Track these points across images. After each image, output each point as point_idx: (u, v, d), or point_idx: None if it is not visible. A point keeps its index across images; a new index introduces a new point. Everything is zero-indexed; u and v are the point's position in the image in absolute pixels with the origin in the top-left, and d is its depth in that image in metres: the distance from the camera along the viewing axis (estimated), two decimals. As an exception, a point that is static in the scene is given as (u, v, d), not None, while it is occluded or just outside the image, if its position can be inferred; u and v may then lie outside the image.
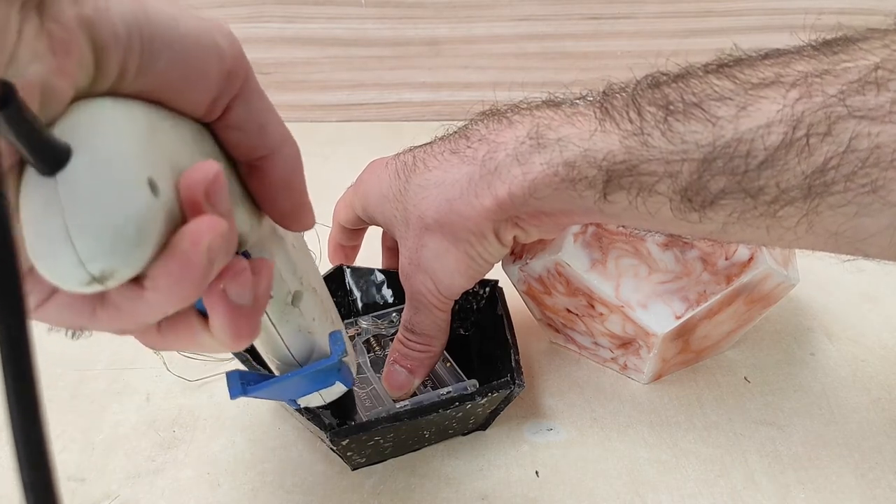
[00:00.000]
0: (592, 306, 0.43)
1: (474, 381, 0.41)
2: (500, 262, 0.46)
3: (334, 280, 0.48)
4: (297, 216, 0.27)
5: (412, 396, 0.41)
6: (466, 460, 0.40)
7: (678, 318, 0.40)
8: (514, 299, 0.46)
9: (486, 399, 0.37)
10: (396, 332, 0.42)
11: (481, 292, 0.46)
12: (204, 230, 0.21)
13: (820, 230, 0.30)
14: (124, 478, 0.39)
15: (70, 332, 0.24)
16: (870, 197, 0.28)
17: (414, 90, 0.82)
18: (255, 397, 0.30)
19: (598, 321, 0.43)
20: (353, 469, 0.39)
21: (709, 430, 0.42)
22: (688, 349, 0.44)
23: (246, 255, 0.27)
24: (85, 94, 0.21)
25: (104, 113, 0.20)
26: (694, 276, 0.41)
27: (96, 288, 0.20)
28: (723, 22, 0.78)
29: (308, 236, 0.51)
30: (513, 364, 0.39)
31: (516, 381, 0.38)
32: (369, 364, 0.44)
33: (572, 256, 0.42)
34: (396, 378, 0.40)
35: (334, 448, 0.37)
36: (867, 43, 0.29)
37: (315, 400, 0.32)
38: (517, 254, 0.45)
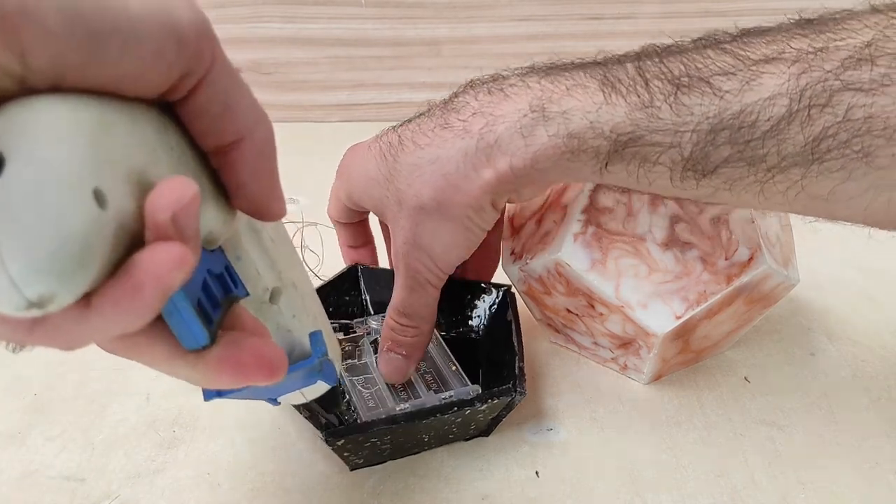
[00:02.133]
0: (592, 306, 0.43)
1: (476, 387, 0.41)
2: (500, 263, 0.46)
3: (347, 279, 0.47)
4: (267, 205, 0.25)
5: (416, 399, 0.41)
6: (466, 461, 0.40)
7: (678, 318, 0.40)
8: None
9: (486, 405, 0.37)
10: None
11: (493, 297, 0.46)
12: (166, 263, 0.19)
13: (810, 193, 0.32)
14: (124, 478, 0.39)
15: (10, 346, 0.21)
16: (860, 162, 0.30)
17: (414, 90, 0.82)
18: (232, 398, 0.29)
19: (598, 321, 0.43)
20: (353, 469, 0.39)
21: (709, 430, 0.42)
22: (688, 349, 0.44)
23: (220, 251, 0.26)
24: (16, 94, 0.18)
25: (43, 114, 0.18)
26: (694, 276, 0.41)
27: (36, 312, 0.18)
28: (722, 22, 0.77)
29: (309, 236, 0.51)
30: (516, 371, 0.39)
31: (517, 389, 0.38)
32: (376, 364, 0.43)
33: (572, 256, 0.42)
34: (392, 365, 0.41)
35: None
36: (849, 23, 0.31)
37: (296, 398, 0.31)
38: (517, 254, 0.45)
